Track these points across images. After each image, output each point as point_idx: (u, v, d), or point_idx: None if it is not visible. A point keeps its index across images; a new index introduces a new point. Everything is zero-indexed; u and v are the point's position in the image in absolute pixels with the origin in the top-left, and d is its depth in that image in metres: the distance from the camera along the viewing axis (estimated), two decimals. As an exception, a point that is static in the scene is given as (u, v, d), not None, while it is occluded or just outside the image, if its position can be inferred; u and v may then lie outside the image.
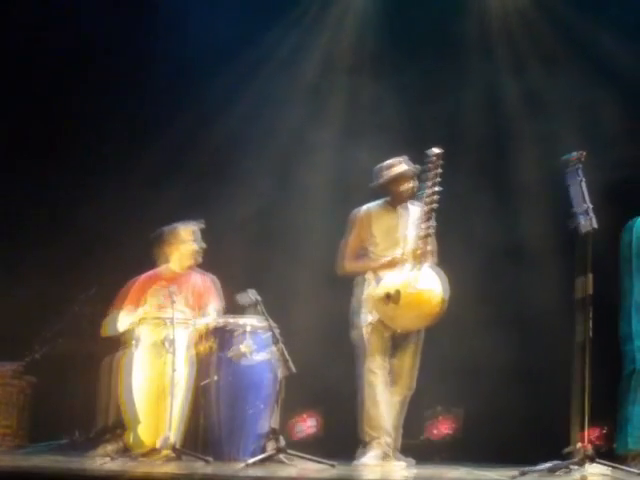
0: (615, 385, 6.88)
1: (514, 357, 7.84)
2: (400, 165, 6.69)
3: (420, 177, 6.45)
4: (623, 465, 6.32)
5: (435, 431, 7.81)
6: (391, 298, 6.36)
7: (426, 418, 7.86)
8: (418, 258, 6.41)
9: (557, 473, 5.69)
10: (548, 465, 5.74)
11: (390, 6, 8.71)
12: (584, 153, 6.10)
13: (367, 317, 6.54)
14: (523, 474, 5.57)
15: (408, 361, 6.61)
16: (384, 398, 6.48)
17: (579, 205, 6.04)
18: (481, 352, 7.71)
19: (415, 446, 6.83)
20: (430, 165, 6.38)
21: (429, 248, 6.46)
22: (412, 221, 6.64)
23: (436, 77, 8.37)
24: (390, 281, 6.42)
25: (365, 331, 6.55)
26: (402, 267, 6.44)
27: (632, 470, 6.03)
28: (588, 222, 5.94)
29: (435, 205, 6.34)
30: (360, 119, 8.49)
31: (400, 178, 6.66)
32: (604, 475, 5.77)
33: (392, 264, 6.49)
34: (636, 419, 6.72)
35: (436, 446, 7.72)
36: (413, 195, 6.68)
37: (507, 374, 7.75)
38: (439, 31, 8.43)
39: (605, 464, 5.80)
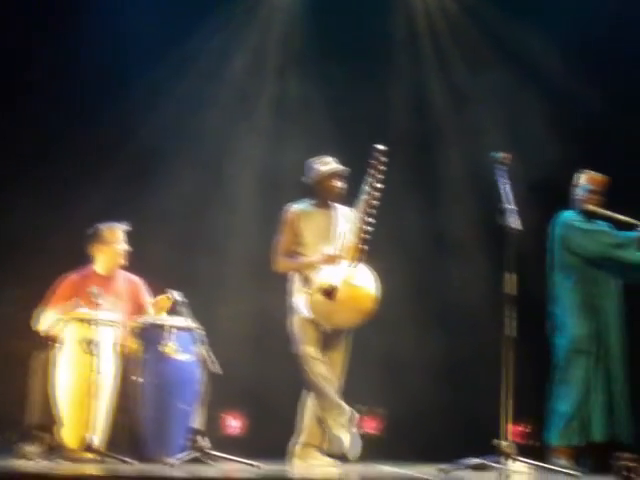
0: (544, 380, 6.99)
1: (443, 352, 7.88)
2: (334, 163, 6.72)
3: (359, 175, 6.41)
4: (547, 460, 6.46)
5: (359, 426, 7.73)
6: (327, 293, 6.36)
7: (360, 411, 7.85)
8: (354, 256, 6.42)
9: (481, 469, 5.77)
10: (473, 461, 5.82)
11: (316, 6, 8.71)
12: (509, 156, 6.18)
13: (302, 311, 6.52)
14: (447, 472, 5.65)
15: (335, 360, 6.62)
16: (328, 381, 6.47)
17: (508, 202, 6.13)
18: (408, 348, 7.71)
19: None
20: (374, 162, 6.39)
21: (364, 246, 6.47)
22: (342, 220, 6.66)
23: (364, 77, 8.39)
24: (326, 276, 6.42)
25: (299, 324, 6.55)
26: (338, 264, 6.45)
27: (552, 467, 6.12)
28: (514, 221, 6.04)
29: (377, 203, 6.34)
30: (287, 120, 8.47)
31: (334, 176, 6.68)
32: (524, 472, 5.85)
33: (326, 261, 6.49)
34: (557, 415, 6.85)
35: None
36: (342, 195, 6.69)
37: (436, 369, 7.79)
38: (366, 31, 8.45)
39: (526, 461, 5.88)
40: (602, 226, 7.07)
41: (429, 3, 8.70)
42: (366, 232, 6.39)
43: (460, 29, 8.58)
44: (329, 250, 6.53)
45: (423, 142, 8.24)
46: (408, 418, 7.68)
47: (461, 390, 7.89)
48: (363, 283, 6.42)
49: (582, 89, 8.18)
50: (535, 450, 7.18)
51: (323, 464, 6.47)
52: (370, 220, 6.37)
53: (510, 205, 6.07)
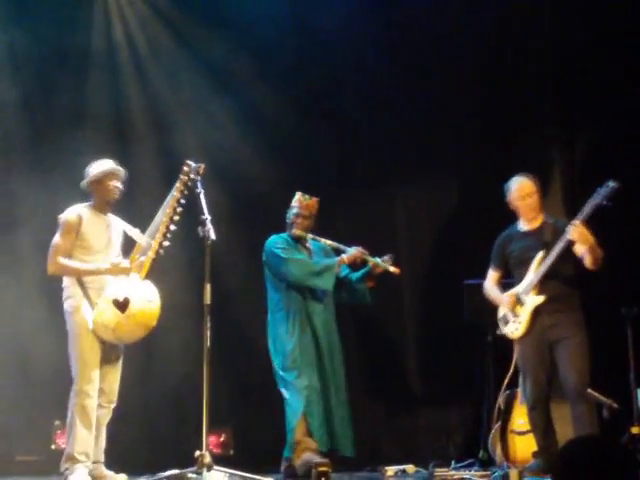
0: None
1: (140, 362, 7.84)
2: (113, 164, 6.46)
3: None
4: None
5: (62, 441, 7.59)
6: (120, 305, 6.07)
7: (56, 428, 7.71)
8: (144, 269, 6.20)
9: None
10: (170, 473, 5.88)
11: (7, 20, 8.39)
12: (202, 166, 6.24)
13: (86, 322, 6.17)
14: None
15: (113, 373, 6.36)
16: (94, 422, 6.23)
17: (205, 213, 6.19)
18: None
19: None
20: (184, 177, 6.21)
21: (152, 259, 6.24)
22: (118, 228, 6.46)
23: (60, 90, 8.20)
24: (120, 288, 6.15)
25: (80, 338, 6.17)
26: (127, 276, 6.20)
27: (249, 476, 6.23)
28: (207, 233, 6.10)
29: (177, 219, 6.19)
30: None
31: (110, 174, 6.40)
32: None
33: (115, 272, 6.23)
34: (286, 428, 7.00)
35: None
36: (117, 198, 6.45)
37: (135, 379, 7.74)
38: (63, 44, 8.23)
39: (225, 471, 5.98)
40: (302, 253, 7.26)
41: (126, 15, 8.60)
42: (161, 247, 6.19)
43: (157, 44, 8.55)
44: (119, 261, 6.27)
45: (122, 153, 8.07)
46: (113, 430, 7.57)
47: (171, 402, 7.90)
48: (153, 298, 6.22)
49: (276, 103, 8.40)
50: (233, 459, 7.31)
51: None
52: (168, 236, 6.20)
53: (204, 215, 6.14)
